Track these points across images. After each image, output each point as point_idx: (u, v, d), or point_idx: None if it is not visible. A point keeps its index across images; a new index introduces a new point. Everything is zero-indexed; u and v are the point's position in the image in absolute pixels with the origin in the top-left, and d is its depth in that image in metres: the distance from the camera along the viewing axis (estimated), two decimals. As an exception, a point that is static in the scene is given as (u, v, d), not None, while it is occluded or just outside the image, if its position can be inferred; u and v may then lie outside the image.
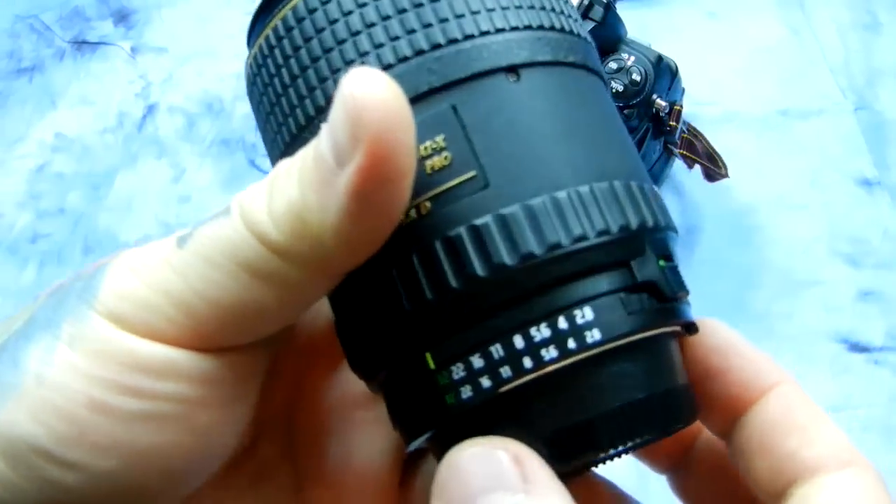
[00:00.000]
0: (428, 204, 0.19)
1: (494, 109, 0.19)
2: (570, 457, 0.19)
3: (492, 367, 0.18)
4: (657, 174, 0.66)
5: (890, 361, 0.61)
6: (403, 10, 0.20)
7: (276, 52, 0.21)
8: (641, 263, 0.19)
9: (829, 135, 0.69)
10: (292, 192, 0.18)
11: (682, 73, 0.61)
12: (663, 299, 0.20)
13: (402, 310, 0.19)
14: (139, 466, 0.19)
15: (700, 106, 0.68)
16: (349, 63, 0.20)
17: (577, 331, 0.18)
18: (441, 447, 0.19)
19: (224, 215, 0.19)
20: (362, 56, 0.20)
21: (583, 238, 0.18)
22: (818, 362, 0.61)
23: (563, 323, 0.18)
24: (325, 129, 0.18)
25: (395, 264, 0.19)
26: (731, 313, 0.63)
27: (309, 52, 0.20)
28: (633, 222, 0.19)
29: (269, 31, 0.21)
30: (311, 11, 0.20)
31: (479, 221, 0.18)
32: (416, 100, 0.19)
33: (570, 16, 0.22)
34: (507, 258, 0.18)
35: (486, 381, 0.18)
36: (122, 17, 0.79)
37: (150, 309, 0.18)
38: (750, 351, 0.22)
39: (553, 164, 0.19)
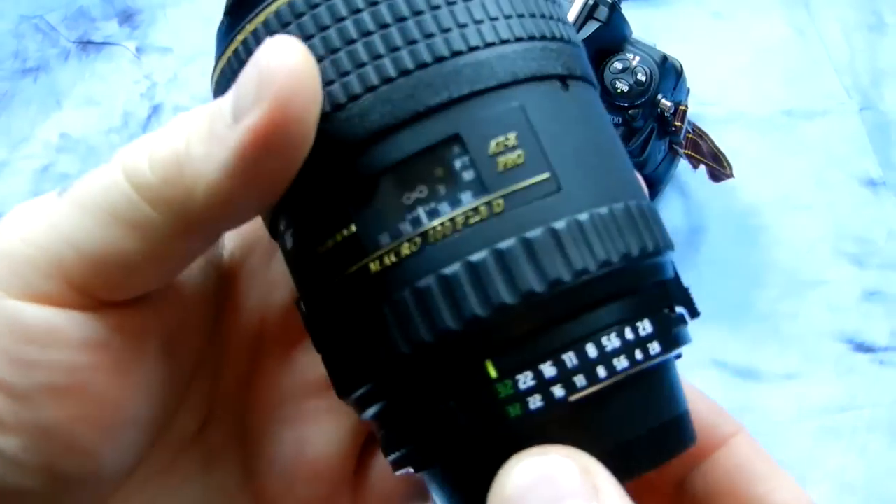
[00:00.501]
0: (501, 202, 0.18)
1: (553, 115, 0.19)
2: (624, 474, 0.18)
3: (565, 376, 0.18)
4: (662, 174, 0.66)
5: (895, 361, 0.61)
6: (420, 13, 0.19)
7: None
8: (674, 281, 0.21)
9: (834, 135, 0.69)
10: (178, 141, 0.18)
11: (687, 73, 0.61)
12: (683, 320, 0.21)
13: (463, 313, 0.18)
14: (48, 446, 0.18)
15: (705, 106, 0.68)
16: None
17: (642, 342, 0.19)
18: (479, 467, 0.18)
19: (106, 164, 0.18)
20: (375, 59, 0.18)
21: (644, 251, 0.19)
22: (823, 362, 0.61)
23: (629, 333, 0.19)
24: (231, 89, 0.17)
25: (446, 268, 0.18)
26: (735, 313, 0.63)
27: None
28: (660, 244, 0.20)
29: (247, 35, 0.19)
30: (298, 16, 0.19)
31: (557, 225, 0.18)
32: (482, 92, 0.19)
33: (565, 23, 0.21)
34: (590, 264, 0.18)
35: (558, 391, 0.18)
36: (127, 17, 0.79)
37: (27, 264, 0.18)
38: (704, 400, 0.23)
39: (606, 175, 0.20)
